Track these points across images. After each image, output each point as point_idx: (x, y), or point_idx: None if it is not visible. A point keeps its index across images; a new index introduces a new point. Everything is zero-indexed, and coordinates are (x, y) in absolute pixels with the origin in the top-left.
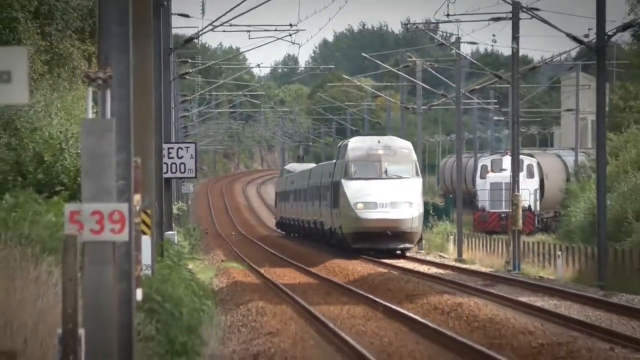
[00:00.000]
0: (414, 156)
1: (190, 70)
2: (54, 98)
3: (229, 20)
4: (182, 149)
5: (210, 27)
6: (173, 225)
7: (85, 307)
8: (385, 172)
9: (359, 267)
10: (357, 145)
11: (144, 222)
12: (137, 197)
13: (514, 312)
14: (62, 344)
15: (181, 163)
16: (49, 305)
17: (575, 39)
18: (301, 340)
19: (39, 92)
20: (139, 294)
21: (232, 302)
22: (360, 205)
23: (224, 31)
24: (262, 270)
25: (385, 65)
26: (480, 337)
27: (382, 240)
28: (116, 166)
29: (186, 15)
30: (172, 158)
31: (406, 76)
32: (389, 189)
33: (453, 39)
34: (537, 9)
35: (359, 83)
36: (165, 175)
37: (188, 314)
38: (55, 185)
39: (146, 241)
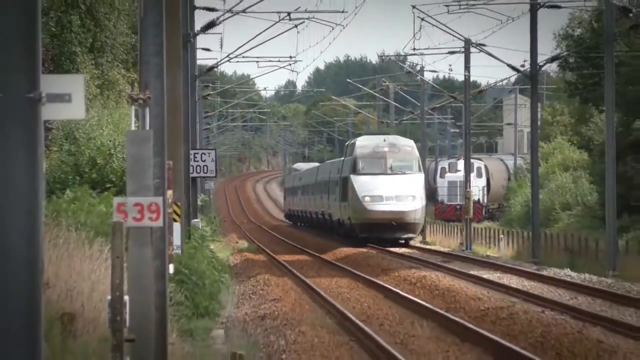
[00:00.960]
0: (416, 153)
1: (211, 93)
2: (105, 114)
3: (242, 53)
4: (204, 154)
5: (227, 58)
6: (198, 214)
7: (129, 278)
8: (391, 168)
9: (345, 248)
10: (364, 143)
11: (175, 212)
12: (169, 192)
13: (466, 283)
14: (111, 308)
15: (204, 165)
16: (101, 277)
17: (514, 68)
18: (299, 305)
19: (92, 110)
20: (171, 268)
21: (244, 275)
22: (367, 199)
23: (237, 61)
24: (268, 250)
25: (365, 89)
26: (440, 303)
27: (388, 230)
28: (153, 168)
29: (208, 49)
30: (197, 161)
31: (381, 97)
32: (394, 184)
33: (418, 68)
34: (484, 45)
35: (344, 102)
36: (191, 175)
37: (210, 284)
38: (105, 183)
39: (177, 227)
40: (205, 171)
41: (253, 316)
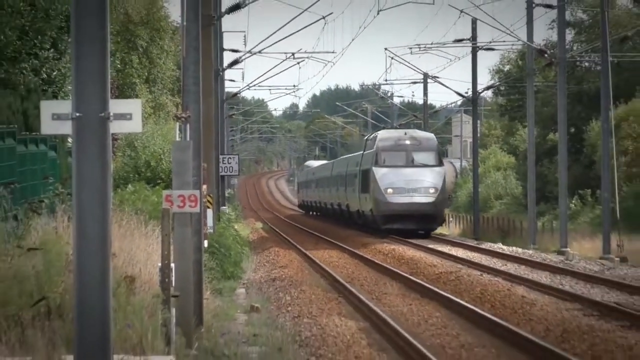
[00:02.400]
0: (437, 146)
1: (235, 113)
2: (156, 129)
3: (258, 83)
4: (230, 158)
5: (247, 87)
6: (225, 203)
7: (174, 250)
8: (412, 160)
9: (337, 229)
10: (385, 136)
11: (208, 201)
12: (204, 187)
13: (425, 254)
14: (161, 272)
15: (230, 166)
16: (153, 249)
17: (459, 94)
18: (300, 270)
19: (147, 125)
20: (205, 243)
21: (260, 248)
22: (390, 191)
23: (254, 89)
24: (277, 229)
25: (349, 109)
26: (405, 268)
27: (409, 221)
28: (192, 169)
29: (233, 80)
30: (225, 163)
31: (362, 116)
32: (416, 176)
33: (389, 94)
34: (438, 77)
35: (334, 120)
36: (220, 174)
37: (234, 255)
38: (157, 180)
39: (210, 212)
40: (230, 171)
41: (266, 278)
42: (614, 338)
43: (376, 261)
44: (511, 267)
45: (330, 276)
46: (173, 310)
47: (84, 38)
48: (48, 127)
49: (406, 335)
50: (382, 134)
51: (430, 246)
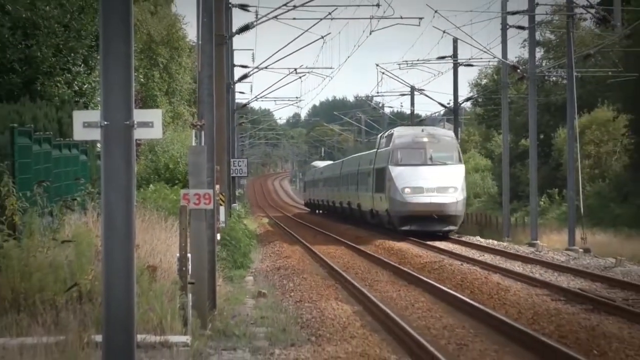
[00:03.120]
0: (456, 144)
1: (244, 121)
2: (175, 135)
3: (265, 94)
4: (240, 161)
5: (255, 98)
6: (236, 201)
7: (190, 242)
8: (431, 158)
9: (334, 224)
10: (402, 133)
11: (221, 199)
12: (217, 186)
13: (411, 245)
14: (179, 262)
15: (240, 168)
16: (172, 242)
17: (442, 105)
18: (302, 261)
19: (167, 132)
20: (218, 236)
21: (266, 241)
22: (407, 190)
23: (262, 100)
24: (282, 224)
25: (345, 118)
26: (394, 258)
27: (428, 223)
28: (206, 170)
29: (242, 92)
30: (235, 166)
31: (356, 124)
32: (435, 175)
33: (380, 105)
34: (423, 89)
35: (331, 127)
36: (232, 175)
37: (243, 246)
38: (175, 180)
39: (222, 209)
40: (240, 172)
41: (272, 267)
42: (578, 320)
43: (369, 252)
44: (488, 257)
45: (328, 265)
46: (189, 296)
47: (111, 55)
48: (79, 133)
49: (395, 317)
50: (398, 130)
51: (416, 239)
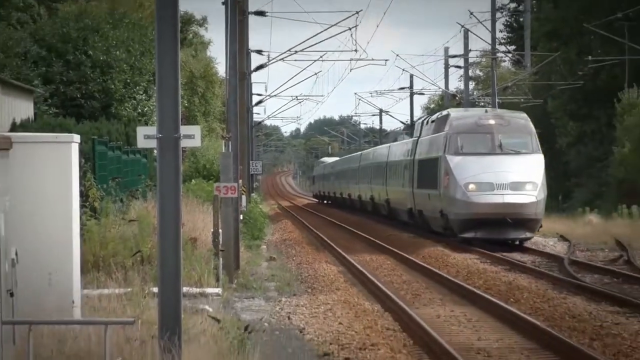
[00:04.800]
0: (532, 127)
1: (259, 134)
2: (210, 144)
3: (274, 114)
4: (257, 163)
5: (267, 117)
6: (253, 191)
7: (221, 221)
8: (500, 145)
9: (331, 210)
10: (461, 114)
11: (243, 190)
12: (240, 181)
13: (379, 224)
14: (213, 235)
15: (256, 168)
16: (208, 221)
17: (403, 122)
18: (301, 234)
19: (204, 142)
20: (240, 216)
21: (276, 220)
22: (472, 187)
23: (272, 118)
24: (288, 209)
25: (333, 132)
26: (367, 232)
27: (499, 229)
28: (232, 169)
29: (258, 113)
30: (253, 166)
31: (341, 136)
32: (507, 167)
33: (358, 122)
34: (389, 111)
35: (322, 139)
36: (250, 173)
37: (259, 224)
38: (210, 176)
39: (244, 197)
40: (257, 171)
41: (280, 239)
42: (500, 277)
43: (350, 228)
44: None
45: (320, 238)
46: (220, 260)
47: (164, 87)
48: (141, 143)
49: (369, 275)
50: (454, 112)
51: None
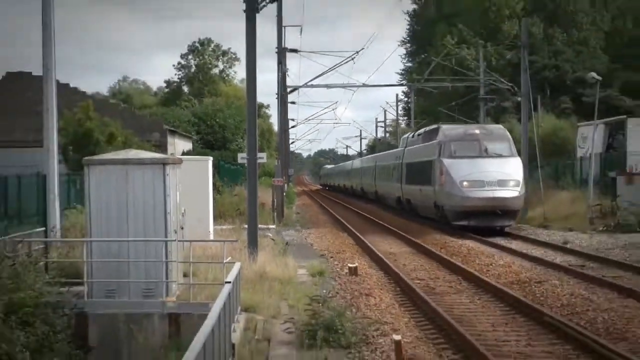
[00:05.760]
0: (509, 136)
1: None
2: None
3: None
4: (291, 169)
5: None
6: (289, 183)
7: (275, 196)
8: (486, 150)
9: (332, 193)
10: (451, 127)
11: (285, 182)
12: (284, 177)
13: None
14: (272, 203)
15: (291, 171)
16: (268, 196)
17: (356, 151)
18: (318, 212)
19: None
20: (284, 193)
21: (300, 201)
22: (466, 184)
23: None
24: (312, 194)
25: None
26: (358, 207)
27: (486, 218)
28: (281, 172)
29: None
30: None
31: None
32: (494, 167)
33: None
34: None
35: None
36: (289, 174)
37: (292, 197)
38: (271, 175)
39: (285, 186)
40: (291, 173)
41: (303, 215)
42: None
43: (341, 203)
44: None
45: (340, 222)
46: (275, 213)
47: (250, 135)
48: (240, 160)
49: (342, 220)
50: (445, 125)
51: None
